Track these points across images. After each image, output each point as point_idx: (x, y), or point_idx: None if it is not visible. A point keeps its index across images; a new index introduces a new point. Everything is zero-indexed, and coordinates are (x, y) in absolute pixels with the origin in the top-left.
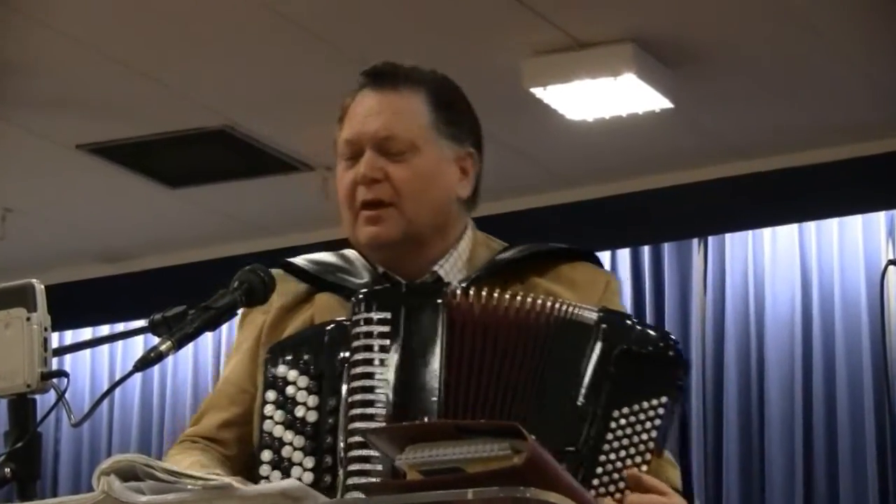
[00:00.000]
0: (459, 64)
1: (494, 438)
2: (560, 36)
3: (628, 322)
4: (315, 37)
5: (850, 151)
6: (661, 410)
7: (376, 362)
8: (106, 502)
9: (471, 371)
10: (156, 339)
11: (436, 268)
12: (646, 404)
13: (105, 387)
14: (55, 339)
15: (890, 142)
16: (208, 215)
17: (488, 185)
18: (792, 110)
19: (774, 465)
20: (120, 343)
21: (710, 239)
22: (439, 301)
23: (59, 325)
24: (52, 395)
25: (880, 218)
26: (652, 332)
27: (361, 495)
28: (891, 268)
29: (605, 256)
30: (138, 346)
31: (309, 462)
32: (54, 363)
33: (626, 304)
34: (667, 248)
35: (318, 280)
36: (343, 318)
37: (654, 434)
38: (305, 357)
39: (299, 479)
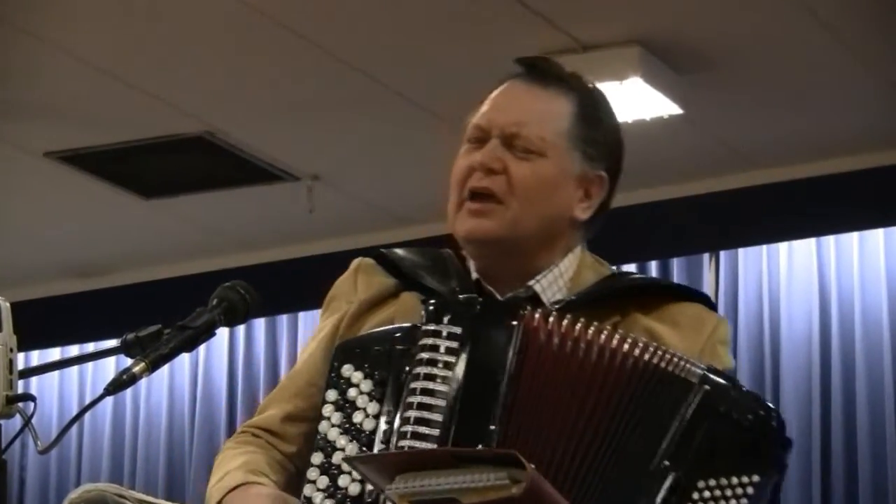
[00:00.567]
0: (455, 66)
1: (492, 467)
2: (562, 37)
3: (732, 386)
4: (301, 39)
5: (871, 161)
6: (750, 490)
7: (438, 379)
8: None
9: (536, 411)
10: (129, 361)
11: (532, 282)
12: (735, 479)
13: (74, 411)
14: (21, 361)
15: None
16: (185, 228)
17: None
18: (809, 117)
19: (790, 494)
20: (90, 364)
21: (723, 254)
22: (514, 323)
23: (25, 344)
24: (17, 421)
25: None
26: (755, 402)
27: None
28: None
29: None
30: (110, 368)
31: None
32: (20, 386)
33: None
34: (675, 263)
35: (406, 277)
36: (419, 323)
37: None
38: (373, 360)
39: (345, 489)
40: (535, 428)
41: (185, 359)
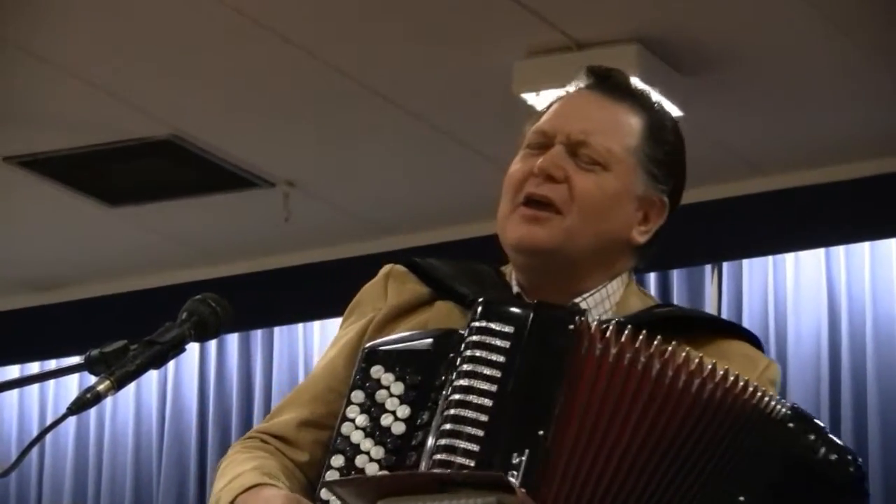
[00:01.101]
0: (440, 65)
1: (480, 491)
2: (555, 35)
3: (818, 428)
4: (276, 35)
5: (884, 167)
6: None
7: (484, 379)
8: None
9: (592, 421)
10: (93, 378)
11: (578, 300)
12: None
13: (35, 432)
14: None
15: None
16: (153, 237)
17: (472, 205)
18: (818, 120)
19: None
20: (52, 382)
21: (726, 265)
22: (571, 328)
23: None
24: None
25: None
26: (840, 448)
27: None
28: None
29: None
30: (73, 386)
31: None
32: None
33: None
34: (675, 275)
35: (441, 285)
36: (456, 328)
37: None
38: (405, 362)
39: None
40: (588, 438)
41: (152, 376)
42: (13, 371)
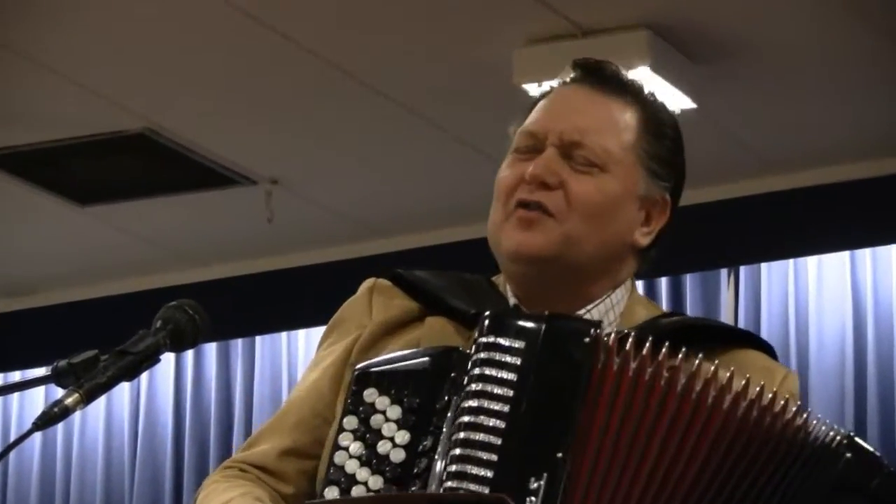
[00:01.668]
0: (434, 54)
1: None
2: (558, 20)
3: (877, 459)
4: (258, 23)
5: None
6: None
7: (495, 400)
8: None
9: (616, 440)
10: (60, 391)
11: (581, 312)
12: None
13: None
14: None
15: None
16: (125, 239)
17: (469, 205)
18: (842, 113)
19: None
20: (16, 395)
21: (743, 269)
22: (587, 340)
23: None
24: None
25: None
26: None
27: None
28: None
29: None
30: (39, 399)
31: None
32: None
33: None
34: (689, 280)
35: (432, 298)
36: (456, 346)
37: None
38: (402, 383)
39: None
40: (610, 460)
41: (124, 388)
42: None
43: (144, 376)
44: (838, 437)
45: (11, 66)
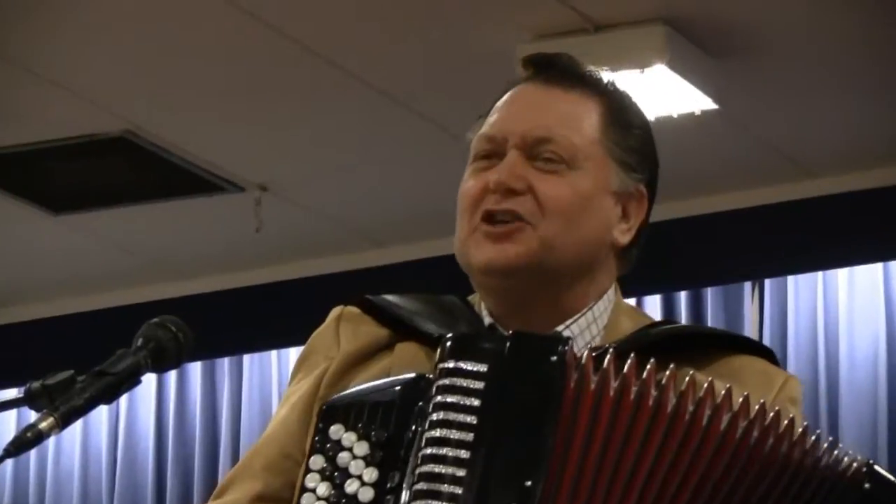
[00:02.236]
0: (439, 50)
1: None
2: (568, 14)
3: None
4: (248, 15)
5: None
6: None
7: (458, 428)
8: None
9: (592, 465)
10: (34, 415)
11: (561, 328)
12: None
13: None
14: None
15: None
16: (104, 249)
17: None
18: (876, 113)
19: None
20: None
21: (768, 282)
22: (554, 359)
23: None
24: None
25: None
26: None
27: None
28: None
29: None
30: (10, 423)
31: None
32: None
33: None
34: (709, 294)
35: (403, 324)
36: (424, 373)
37: None
38: (369, 418)
39: None
40: (592, 487)
41: (102, 412)
42: None
43: (124, 399)
44: (855, 465)
45: None
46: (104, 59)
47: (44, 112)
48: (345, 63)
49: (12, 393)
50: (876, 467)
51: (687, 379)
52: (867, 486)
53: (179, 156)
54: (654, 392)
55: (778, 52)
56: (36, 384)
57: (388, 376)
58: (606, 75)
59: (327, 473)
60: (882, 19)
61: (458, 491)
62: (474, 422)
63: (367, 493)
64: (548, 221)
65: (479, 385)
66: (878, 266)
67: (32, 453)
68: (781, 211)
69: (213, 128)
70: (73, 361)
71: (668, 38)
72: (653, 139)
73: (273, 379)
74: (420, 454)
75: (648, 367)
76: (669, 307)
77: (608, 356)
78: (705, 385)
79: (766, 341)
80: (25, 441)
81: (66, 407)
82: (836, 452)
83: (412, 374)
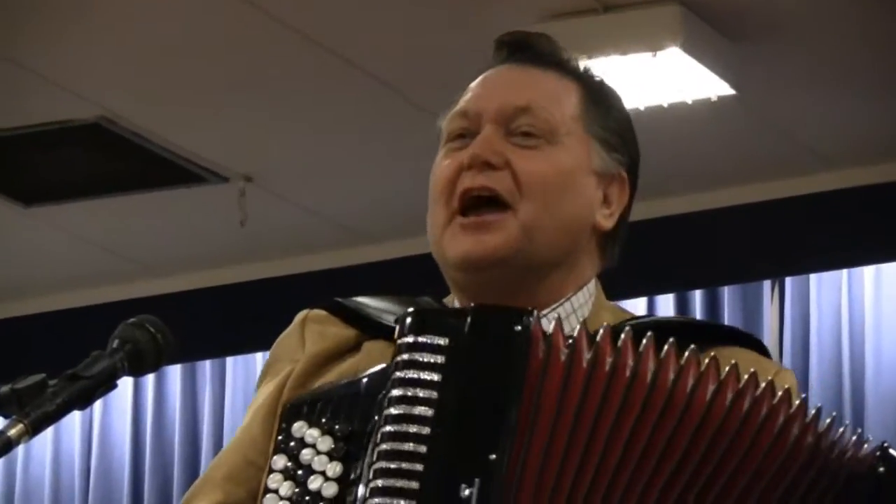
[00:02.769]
0: (436, 33)
1: None
2: None
3: None
4: None
5: None
6: None
7: (418, 404)
8: None
9: (561, 436)
10: (3, 421)
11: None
12: None
13: None
14: None
15: None
16: (77, 244)
17: None
18: None
19: None
20: None
21: (789, 280)
22: (518, 329)
23: None
24: None
25: None
26: None
27: None
28: None
29: (639, 304)
30: None
31: None
32: None
33: None
34: (726, 293)
35: (370, 322)
36: (388, 365)
37: None
38: (333, 413)
39: None
40: (567, 456)
41: (75, 418)
42: None
43: (98, 404)
44: (866, 446)
45: None
46: (77, 40)
47: (12, 98)
48: (338, 49)
49: None
50: (891, 450)
51: (665, 350)
52: (881, 469)
53: (158, 144)
54: (630, 362)
55: (799, 35)
56: (4, 388)
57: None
58: (585, 62)
59: (290, 472)
60: None
61: (419, 468)
62: (434, 397)
63: (330, 489)
64: (527, 201)
65: (440, 359)
66: None
67: (1, 461)
68: (803, 204)
69: (195, 114)
70: (44, 364)
71: (682, 19)
72: (633, 127)
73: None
74: (380, 432)
75: (623, 336)
76: (683, 307)
77: (578, 329)
78: (688, 355)
79: (787, 344)
80: None
81: (36, 413)
82: (845, 434)
83: (378, 367)
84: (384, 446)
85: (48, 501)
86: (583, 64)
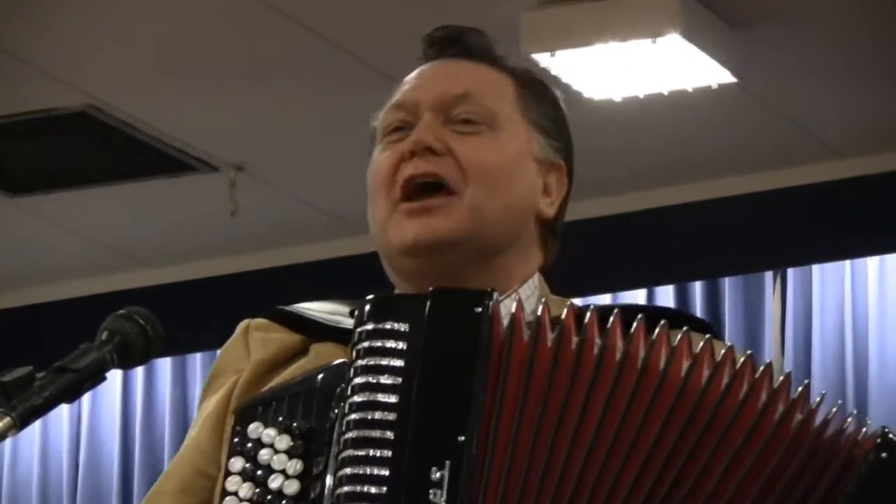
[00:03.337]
0: (429, 18)
1: None
2: None
3: None
4: None
5: None
6: None
7: (382, 397)
8: None
9: (541, 428)
10: None
11: None
12: None
13: None
14: None
15: None
16: (63, 235)
17: None
18: None
19: None
20: None
21: (791, 272)
22: (479, 311)
23: None
24: None
25: None
26: None
27: None
28: None
29: (638, 296)
30: None
31: None
32: None
33: None
34: (727, 284)
35: (314, 325)
36: (343, 360)
37: None
38: (290, 411)
39: None
40: (538, 436)
41: (63, 411)
42: None
43: (87, 398)
44: (865, 430)
45: None
46: (64, 27)
47: None
48: (331, 36)
49: None
50: (892, 435)
51: (635, 326)
52: (883, 455)
53: (147, 132)
54: (598, 340)
55: (803, 21)
56: None
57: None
58: (520, 60)
59: (249, 473)
60: None
61: (388, 454)
62: (398, 382)
63: (292, 486)
64: (473, 188)
65: (402, 345)
66: None
67: None
68: (806, 194)
69: (184, 101)
70: (31, 357)
71: (682, 5)
72: (566, 118)
73: None
74: (345, 420)
75: (589, 314)
76: (683, 299)
77: (541, 308)
78: (657, 331)
79: (790, 337)
80: None
81: (24, 406)
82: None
83: (331, 363)
84: (350, 434)
85: (36, 497)
86: (514, 61)
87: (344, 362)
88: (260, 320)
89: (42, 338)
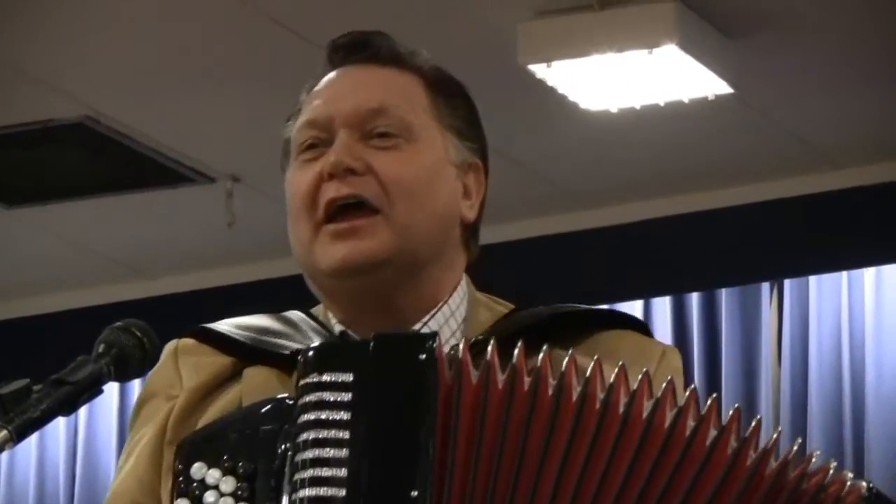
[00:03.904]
0: (426, 29)
1: None
2: None
3: None
4: None
5: None
6: None
7: (331, 453)
8: None
9: (498, 478)
10: None
11: (418, 326)
12: None
13: None
14: None
15: None
16: (61, 246)
17: None
18: None
19: None
20: None
21: (788, 283)
22: (423, 357)
23: None
24: None
25: None
26: None
27: None
28: None
29: (635, 307)
30: None
31: None
32: None
33: None
34: (724, 295)
35: (246, 348)
36: (285, 395)
37: None
38: (232, 450)
39: None
40: (496, 482)
41: (60, 424)
42: None
43: (83, 410)
44: (849, 483)
45: None
46: (61, 38)
47: None
48: (326, 42)
49: None
50: (877, 490)
51: (592, 365)
52: None
53: (144, 143)
54: (552, 380)
55: (799, 32)
56: None
57: (240, 405)
58: (423, 52)
59: None
60: None
61: None
62: (346, 437)
63: None
64: (396, 205)
65: (347, 397)
66: None
67: None
68: (803, 205)
69: (181, 113)
70: (28, 369)
71: (679, 16)
72: (476, 109)
73: None
74: (295, 478)
75: (542, 354)
76: (680, 310)
77: (490, 346)
78: (617, 371)
79: (786, 347)
80: None
81: (20, 419)
82: (830, 472)
83: (273, 398)
84: (301, 493)
85: None
86: (420, 55)
87: (285, 398)
88: (188, 341)
89: (39, 349)
